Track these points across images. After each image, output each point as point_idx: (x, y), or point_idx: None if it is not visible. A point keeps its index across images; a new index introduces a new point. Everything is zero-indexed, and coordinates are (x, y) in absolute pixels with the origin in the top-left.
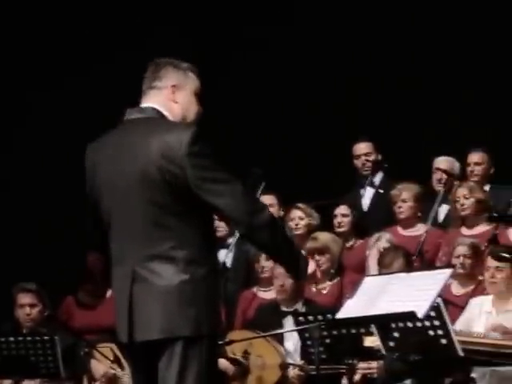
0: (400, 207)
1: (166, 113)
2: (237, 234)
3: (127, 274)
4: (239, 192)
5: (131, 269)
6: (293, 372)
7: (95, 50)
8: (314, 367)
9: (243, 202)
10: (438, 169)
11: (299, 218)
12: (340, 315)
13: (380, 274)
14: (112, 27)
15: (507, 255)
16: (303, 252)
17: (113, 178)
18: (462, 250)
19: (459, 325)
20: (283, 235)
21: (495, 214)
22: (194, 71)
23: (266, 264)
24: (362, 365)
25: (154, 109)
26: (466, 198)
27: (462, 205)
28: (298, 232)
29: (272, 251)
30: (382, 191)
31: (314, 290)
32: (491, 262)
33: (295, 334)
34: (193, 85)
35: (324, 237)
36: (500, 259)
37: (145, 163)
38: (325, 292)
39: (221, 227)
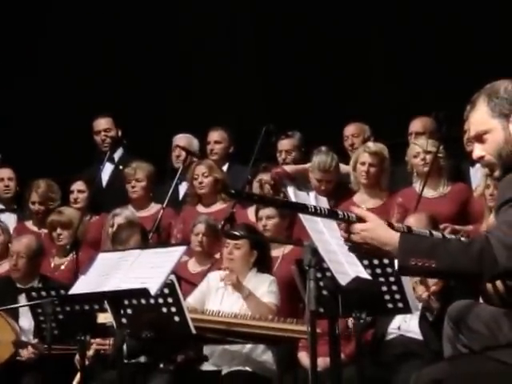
0: (134, 187)
1: None
2: None
3: None
4: None
5: None
6: (26, 351)
7: None
8: (47, 346)
9: None
10: (177, 146)
11: (39, 198)
12: (73, 291)
13: (115, 250)
14: None
15: (240, 233)
16: None
17: None
18: (200, 227)
19: (193, 297)
20: None
21: (232, 191)
22: None
23: None
24: (95, 341)
25: None
26: (205, 176)
27: (201, 183)
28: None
29: None
30: (121, 167)
31: (52, 265)
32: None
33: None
34: None
35: (69, 212)
36: (231, 237)
37: None
38: (63, 267)
39: None
